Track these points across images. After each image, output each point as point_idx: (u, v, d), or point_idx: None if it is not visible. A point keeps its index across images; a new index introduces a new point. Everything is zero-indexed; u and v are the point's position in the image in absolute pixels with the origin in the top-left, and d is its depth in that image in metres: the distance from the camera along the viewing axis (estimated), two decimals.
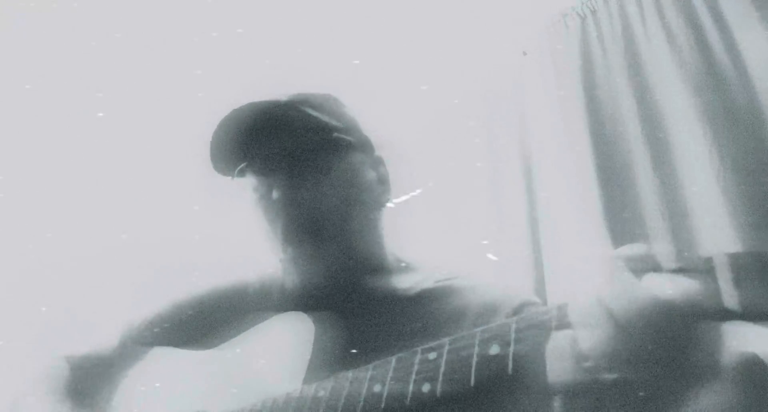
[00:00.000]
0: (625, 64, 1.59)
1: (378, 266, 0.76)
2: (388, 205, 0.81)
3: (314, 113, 0.71)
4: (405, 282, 0.75)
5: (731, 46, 1.42)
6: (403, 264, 0.79)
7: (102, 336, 0.86)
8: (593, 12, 1.68)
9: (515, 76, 1.87)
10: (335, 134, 0.72)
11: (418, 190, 1.88)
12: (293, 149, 0.71)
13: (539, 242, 1.68)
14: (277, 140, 0.72)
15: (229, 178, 0.76)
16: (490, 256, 1.78)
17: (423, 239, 1.61)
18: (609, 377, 0.35)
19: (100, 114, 1.91)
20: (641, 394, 0.35)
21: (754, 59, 1.37)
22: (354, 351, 0.59)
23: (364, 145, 0.77)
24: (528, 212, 1.74)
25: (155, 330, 0.82)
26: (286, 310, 0.72)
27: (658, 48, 1.52)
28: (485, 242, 1.80)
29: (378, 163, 0.80)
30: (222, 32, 1.75)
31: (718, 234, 1.30)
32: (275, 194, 0.70)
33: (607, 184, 1.55)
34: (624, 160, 1.55)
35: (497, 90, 1.91)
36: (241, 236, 0.81)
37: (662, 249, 0.38)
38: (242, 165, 0.74)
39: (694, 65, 1.45)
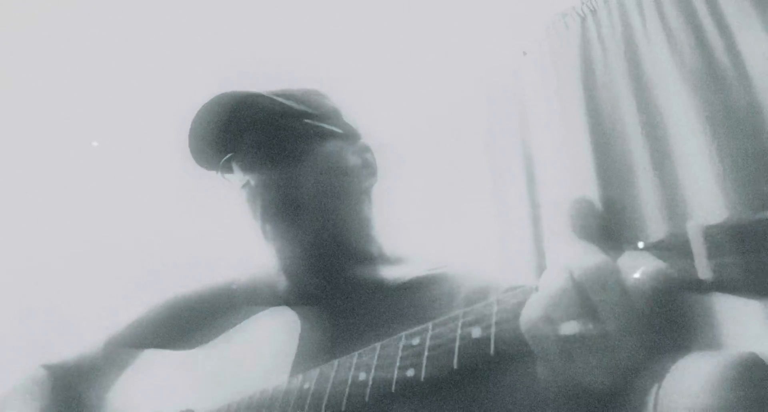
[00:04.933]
0: (625, 64, 1.58)
1: (364, 255, 0.76)
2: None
3: (286, 101, 0.72)
4: (394, 272, 0.75)
5: (731, 46, 1.42)
6: (393, 255, 0.79)
7: (86, 342, 0.86)
8: (593, 12, 1.68)
9: (515, 76, 1.86)
10: (306, 121, 0.73)
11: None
12: (267, 138, 0.72)
13: (541, 241, 1.67)
14: (252, 130, 0.72)
15: (214, 172, 0.77)
16: (490, 256, 1.78)
17: (423, 238, 1.61)
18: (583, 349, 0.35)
19: (97, 114, 1.91)
20: (619, 364, 0.35)
21: (754, 59, 1.37)
22: (343, 343, 0.59)
23: (346, 133, 0.77)
24: (529, 212, 1.73)
25: (141, 333, 0.82)
26: (273, 306, 0.72)
27: (658, 48, 1.52)
28: (486, 242, 1.80)
29: (363, 149, 0.79)
30: (221, 30, 1.76)
31: None
32: (252, 182, 0.72)
33: (606, 183, 1.54)
34: (624, 160, 1.54)
35: (497, 90, 1.91)
36: (232, 234, 0.81)
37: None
38: (225, 158, 0.75)
39: (694, 65, 1.45)
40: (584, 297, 0.36)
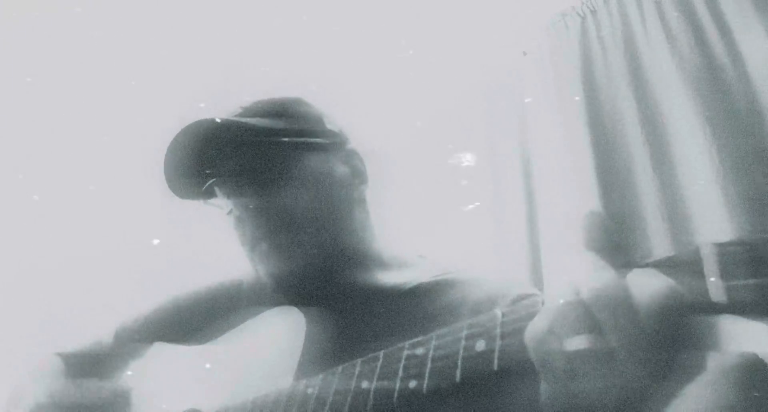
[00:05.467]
0: (625, 64, 1.58)
1: (366, 261, 0.75)
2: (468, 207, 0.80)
3: (260, 122, 0.70)
4: (400, 278, 0.74)
5: (731, 46, 1.42)
6: (398, 260, 0.78)
7: (98, 333, 0.87)
8: (593, 12, 1.68)
9: (515, 76, 1.86)
10: (284, 139, 0.71)
11: (477, 203, 1.87)
12: (247, 162, 0.71)
13: (538, 242, 1.67)
14: (230, 156, 0.71)
15: (199, 202, 0.76)
16: (489, 256, 1.78)
17: (422, 238, 1.61)
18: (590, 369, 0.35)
19: (100, 115, 1.91)
20: (625, 384, 0.34)
21: (754, 59, 1.37)
22: (347, 348, 0.59)
23: (330, 142, 0.75)
24: (527, 212, 1.73)
25: (151, 327, 0.83)
26: (279, 305, 0.72)
27: (658, 48, 1.52)
28: (485, 242, 1.80)
29: (350, 156, 0.78)
30: (222, 33, 1.75)
31: (718, 234, 1.29)
32: (237, 210, 0.71)
33: (606, 184, 1.55)
34: (624, 160, 1.54)
35: (497, 90, 1.91)
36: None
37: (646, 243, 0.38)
38: (207, 183, 0.73)
39: (694, 65, 1.45)
40: (590, 313, 0.36)
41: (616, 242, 0.38)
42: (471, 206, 1.88)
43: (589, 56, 1.67)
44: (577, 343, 0.35)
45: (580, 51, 1.68)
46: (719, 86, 1.41)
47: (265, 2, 1.71)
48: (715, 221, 1.32)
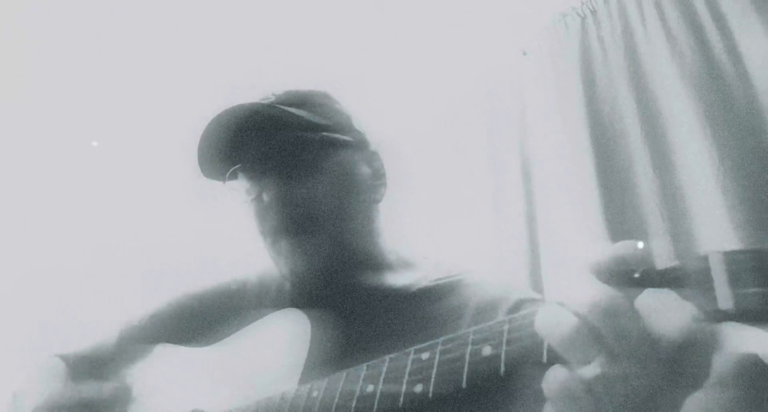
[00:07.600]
0: (625, 64, 1.58)
1: (375, 263, 0.75)
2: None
3: (300, 113, 0.70)
4: (404, 280, 0.75)
5: (731, 47, 1.42)
6: (403, 262, 0.78)
7: (101, 335, 0.87)
8: (593, 12, 1.68)
9: (515, 76, 1.86)
10: (322, 134, 0.71)
11: (477, 203, 1.86)
12: (281, 151, 0.71)
13: (538, 241, 1.68)
14: (264, 142, 0.71)
15: (221, 183, 0.76)
16: (489, 256, 1.78)
17: (423, 238, 1.61)
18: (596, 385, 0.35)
19: (101, 115, 1.91)
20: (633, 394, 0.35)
21: (754, 59, 1.37)
22: (352, 351, 0.59)
23: (357, 142, 0.76)
24: (527, 212, 1.73)
25: (155, 327, 0.83)
26: (284, 307, 0.72)
27: (658, 48, 1.52)
28: (485, 243, 1.80)
29: (373, 158, 0.78)
30: (222, 29, 1.75)
31: (718, 234, 1.30)
32: (266, 197, 0.70)
33: (606, 184, 1.55)
34: (624, 161, 1.55)
35: (497, 90, 1.91)
36: (241, 234, 0.81)
37: (649, 249, 0.37)
38: (233, 169, 0.74)
39: (694, 66, 1.45)
40: (599, 338, 0.36)
41: (627, 271, 0.38)
42: (471, 206, 1.88)
43: (589, 56, 1.67)
44: (592, 370, 0.35)
45: (580, 51, 1.68)
46: (719, 86, 1.41)
47: (260, 6, 1.71)
48: (715, 221, 1.32)
